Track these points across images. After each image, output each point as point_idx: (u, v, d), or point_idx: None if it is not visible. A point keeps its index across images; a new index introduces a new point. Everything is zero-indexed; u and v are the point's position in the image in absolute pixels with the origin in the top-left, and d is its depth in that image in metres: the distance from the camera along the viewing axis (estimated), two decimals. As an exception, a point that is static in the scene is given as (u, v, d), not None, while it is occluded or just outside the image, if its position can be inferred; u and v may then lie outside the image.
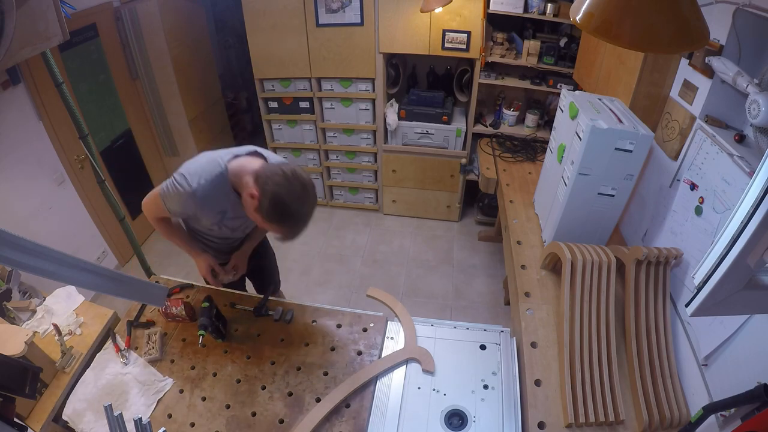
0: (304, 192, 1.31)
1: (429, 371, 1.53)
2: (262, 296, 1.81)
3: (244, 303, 1.82)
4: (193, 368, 1.59)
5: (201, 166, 1.40)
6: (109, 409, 1.19)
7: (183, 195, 1.38)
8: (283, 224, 1.33)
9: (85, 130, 1.76)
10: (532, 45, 2.94)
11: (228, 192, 1.43)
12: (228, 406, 1.47)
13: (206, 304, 1.57)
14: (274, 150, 3.84)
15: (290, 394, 1.49)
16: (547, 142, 2.33)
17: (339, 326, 1.72)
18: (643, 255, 1.62)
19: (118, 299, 1.39)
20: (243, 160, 1.43)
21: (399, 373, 1.54)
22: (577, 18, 0.84)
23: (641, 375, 1.48)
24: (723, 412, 1.21)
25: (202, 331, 1.47)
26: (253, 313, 1.76)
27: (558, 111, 2.11)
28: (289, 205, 1.29)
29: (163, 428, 1.19)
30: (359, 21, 3.00)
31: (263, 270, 2.05)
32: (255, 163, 1.40)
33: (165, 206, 1.46)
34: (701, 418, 1.22)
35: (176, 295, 1.84)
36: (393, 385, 1.51)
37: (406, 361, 1.59)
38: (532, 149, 3.12)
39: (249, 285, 2.09)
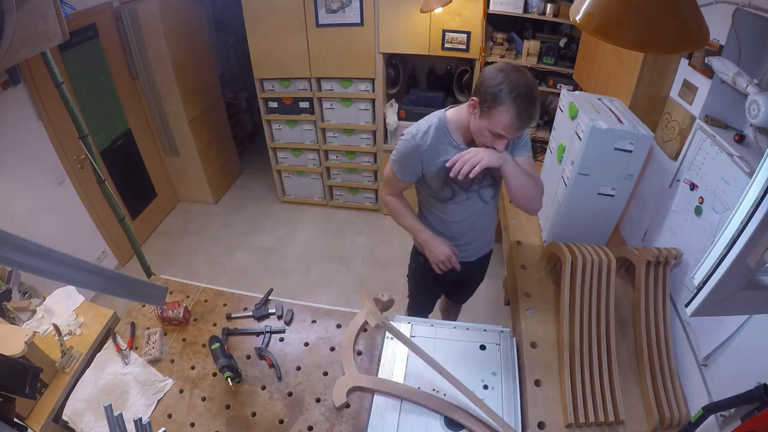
0: (514, 68, 1.29)
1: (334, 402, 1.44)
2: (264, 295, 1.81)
3: (243, 304, 1.82)
4: (193, 368, 1.59)
5: (419, 122, 1.52)
6: (109, 409, 1.19)
7: (406, 149, 1.49)
8: (503, 100, 1.26)
9: (85, 130, 1.75)
10: (531, 45, 2.94)
11: (449, 141, 1.49)
12: (228, 406, 1.47)
13: (216, 345, 1.51)
14: (274, 150, 3.85)
15: (290, 394, 1.50)
16: (546, 142, 2.32)
17: (339, 326, 1.72)
18: (653, 256, 1.62)
19: (118, 299, 1.38)
20: (463, 106, 1.48)
21: (399, 373, 1.54)
22: (577, 18, 0.84)
23: (651, 374, 1.49)
24: (723, 412, 1.21)
25: (228, 373, 1.43)
26: (253, 314, 1.77)
27: (558, 111, 2.10)
28: (506, 76, 1.26)
29: (163, 428, 1.19)
30: (359, 21, 3.00)
31: (467, 284, 2.02)
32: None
33: (396, 175, 1.58)
34: (701, 418, 1.22)
35: (174, 297, 1.84)
36: (393, 385, 1.51)
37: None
38: (531, 149, 3.11)
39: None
